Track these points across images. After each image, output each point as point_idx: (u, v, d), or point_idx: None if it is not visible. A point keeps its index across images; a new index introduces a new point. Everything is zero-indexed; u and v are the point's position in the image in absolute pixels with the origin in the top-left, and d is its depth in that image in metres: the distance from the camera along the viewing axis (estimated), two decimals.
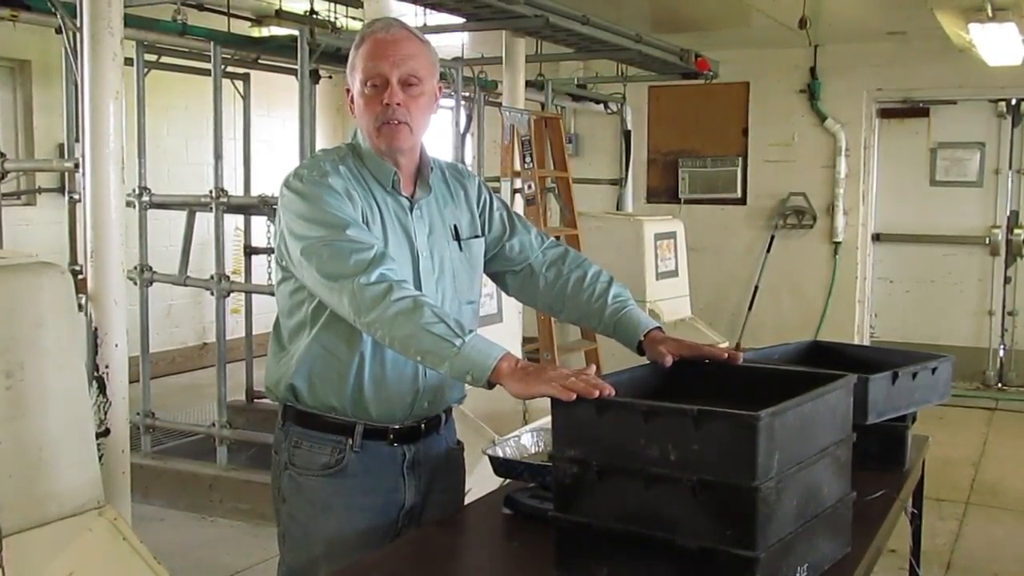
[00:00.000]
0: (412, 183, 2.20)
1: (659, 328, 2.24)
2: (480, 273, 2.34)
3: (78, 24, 3.42)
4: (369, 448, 2.16)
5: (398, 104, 2.08)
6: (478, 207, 2.33)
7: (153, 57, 5.81)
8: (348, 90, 2.17)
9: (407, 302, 1.91)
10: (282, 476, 2.22)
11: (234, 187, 6.01)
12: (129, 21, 3.90)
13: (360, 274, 1.93)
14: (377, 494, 2.18)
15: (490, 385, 1.89)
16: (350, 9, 6.87)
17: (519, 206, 6.06)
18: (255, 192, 6.12)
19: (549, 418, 1.87)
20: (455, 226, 2.25)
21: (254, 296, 6.00)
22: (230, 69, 6.21)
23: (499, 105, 6.47)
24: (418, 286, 2.12)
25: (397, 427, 2.18)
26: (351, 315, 1.96)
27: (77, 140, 3.60)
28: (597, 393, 1.77)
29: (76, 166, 3.54)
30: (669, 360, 2.11)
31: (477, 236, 2.31)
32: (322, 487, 2.16)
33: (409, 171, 2.19)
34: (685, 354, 2.14)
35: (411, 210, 2.17)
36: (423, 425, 2.22)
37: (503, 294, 4.71)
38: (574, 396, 1.77)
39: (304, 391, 2.15)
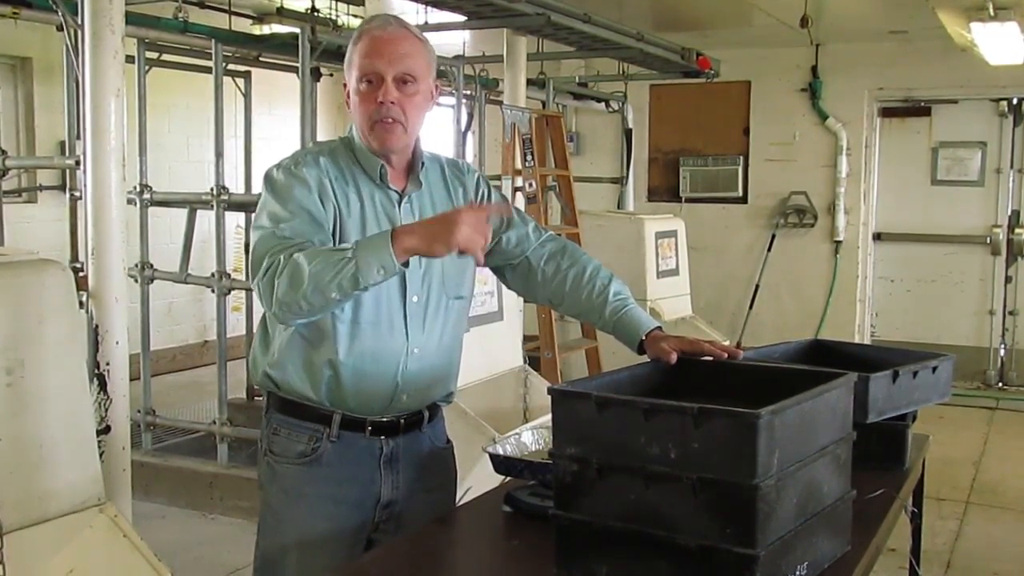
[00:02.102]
0: (404, 177, 2.20)
1: (659, 328, 2.24)
2: (471, 270, 2.32)
3: (79, 21, 3.43)
4: (346, 439, 2.16)
5: (392, 102, 2.08)
6: (476, 203, 2.32)
7: (154, 55, 5.81)
8: (345, 85, 2.18)
9: (289, 264, 1.93)
10: (261, 463, 2.24)
11: (235, 185, 6.02)
12: (130, 19, 3.89)
13: (269, 258, 1.98)
14: (352, 485, 2.17)
15: (406, 264, 1.92)
16: (351, 7, 6.86)
17: (520, 204, 6.06)
18: (256, 190, 6.10)
19: (549, 416, 1.87)
20: None
21: (255, 294, 5.99)
22: (231, 67, 6.21)
23: (500, 103, 6.47)
24: (401, 279, 2.11)
25: (376, 419, 2.17)
26: (268, 308, 2.01)
27: (78, 137, 3.60)
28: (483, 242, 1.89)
29: (77, 163, 3.54)
30: (674, 357, 2.12)
31: None
32: (296, 475, 2.17)
33: (401, 166, 2.19)
34: (687, 349, 2.15)
35: (399, 203, 2.17)
36: (402, 420, 2.21)
37: (503, 292, 4.74)
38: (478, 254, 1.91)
39: (283, 379, 2.16)
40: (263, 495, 2.24)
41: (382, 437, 2.19)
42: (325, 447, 2.15)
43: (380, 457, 2.19)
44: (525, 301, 4.66)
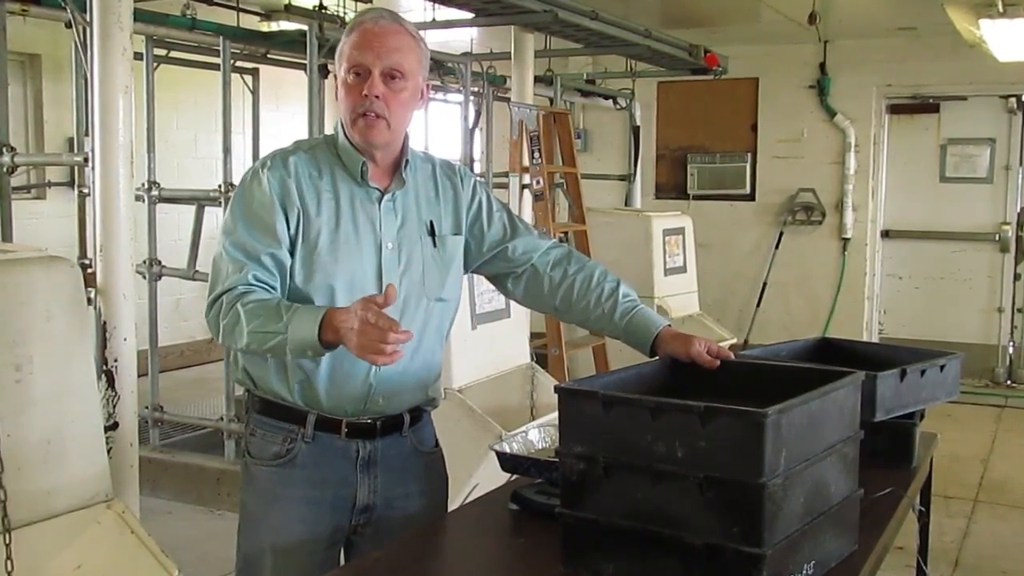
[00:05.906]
0: (389, 176, 2.16)
1: (668, 325, 2.24)
2: (455, 273, 2.26)
3: (88, 19, 3.44)
4: (321, 440, 2.12)
5: (377, 96, 2.05)
6: (468, 208, 2.27)
7: (162, 52, 5.81)
8: (336, 78, 2.14)
9: (231, 315, 1.97)
10: (241, 464, 2.24)
11: None
12: (139, 16, 3.90)
13: (211, 297, 2.02)
14: (327, 488, 2.14)
15: (334, 346, 1.91)
16: (359, 4, 6.87)
17: (527, 202, 6.06)
18: None
19: (556, 413, 1.87)
20: (432, 222, 2.19)
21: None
22: (239, 64, 6.21)
23: (508, 100, 6.46)
24: (379, 278, 2.09)
25: (352, 421, 2.13)
26: (215, 340, 2.06)
27: (87, 134, 3.60)
28: (389, 359, 1.81)
29: (86, 160, 3.55)
30: (716, 363, 2.12)
31: (457, 234, 2.25)
32: (271, 477, 2.15)
33: (386, 163, 2.15)
34: (717, 356, 2.14)
35: (380, 201, 2.13)
36: (379, 423, 2.16)
37: None
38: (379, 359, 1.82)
39: (260, 376, 2.14)
40: (241, 496, 2.24)
41: (359, 440, 2.14)
42: (299, 448, 2.12)
43: (356, 460, 2.15)
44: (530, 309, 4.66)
